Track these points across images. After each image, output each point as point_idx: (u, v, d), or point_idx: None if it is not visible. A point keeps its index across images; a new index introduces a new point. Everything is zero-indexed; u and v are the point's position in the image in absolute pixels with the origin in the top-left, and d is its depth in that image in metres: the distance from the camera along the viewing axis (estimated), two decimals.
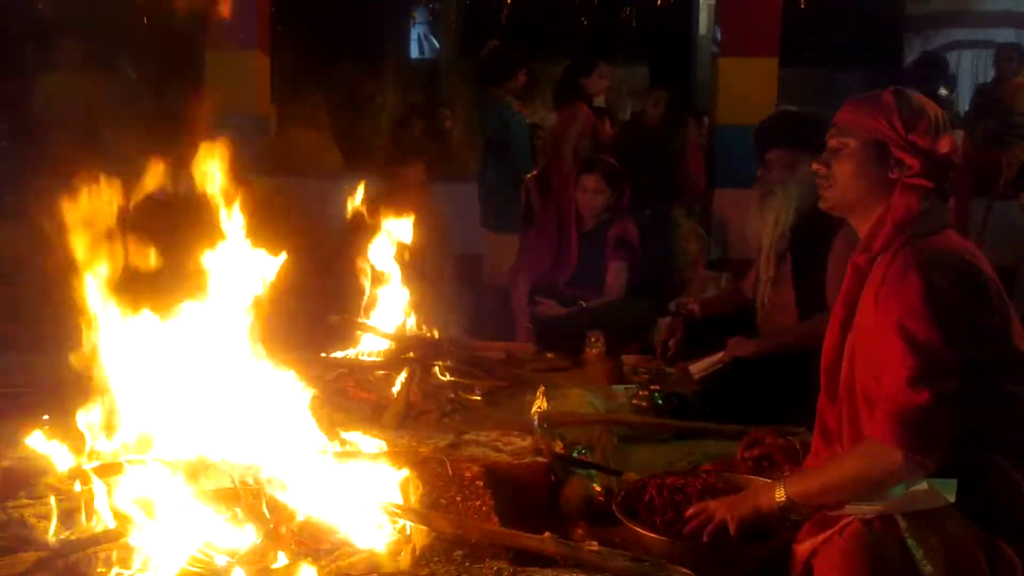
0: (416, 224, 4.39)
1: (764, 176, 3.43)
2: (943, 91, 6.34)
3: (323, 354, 3.51)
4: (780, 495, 1.92)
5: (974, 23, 8.45)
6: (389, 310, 3.73)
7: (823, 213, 3.23)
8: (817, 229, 3.26)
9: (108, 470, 2.02)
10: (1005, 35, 8.34)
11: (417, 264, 3.98)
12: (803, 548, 1.83)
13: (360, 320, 3.61)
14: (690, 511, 2.04)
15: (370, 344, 3.59)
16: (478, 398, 3.15)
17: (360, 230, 3.81)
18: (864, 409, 1.91)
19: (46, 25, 6.66)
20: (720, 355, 3.35)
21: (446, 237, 5.22)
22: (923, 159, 1.96)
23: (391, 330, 3.63)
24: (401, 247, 3.82)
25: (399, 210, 4.64)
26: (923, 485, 1.80)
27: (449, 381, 3.20)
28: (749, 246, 3.63)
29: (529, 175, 5.51)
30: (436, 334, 3.64)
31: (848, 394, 1.98)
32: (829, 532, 1.78)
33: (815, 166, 2.12)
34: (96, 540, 1.91)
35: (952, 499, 1.78)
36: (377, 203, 4.86)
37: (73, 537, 1.94)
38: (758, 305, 3.49)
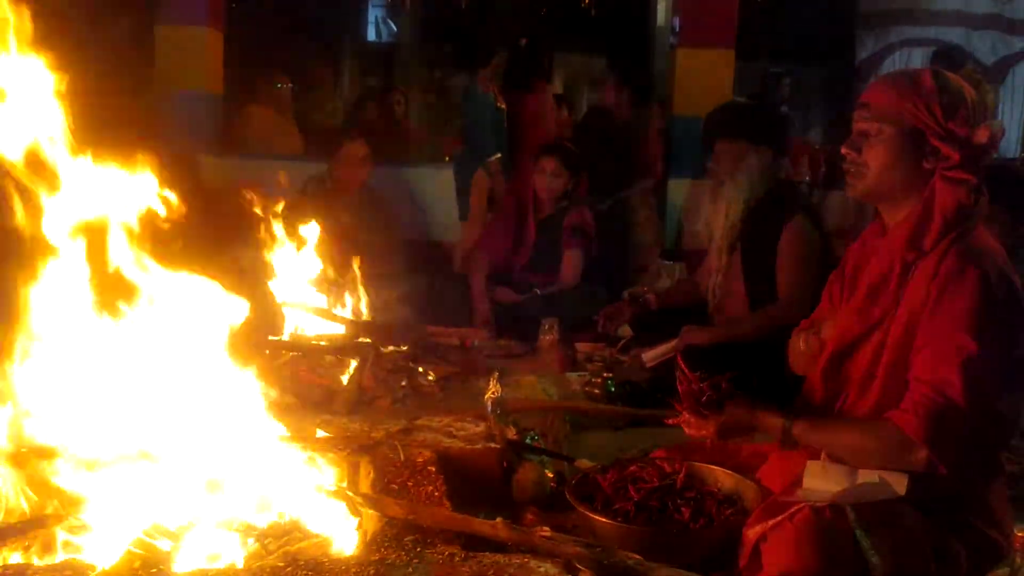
0: (358, 203, 4.31)
1: (713, 168, 3.46)
2: None
3: (271, 337, 3.44)
4: (787, 428, 1.95)
5: (925, 22, 8.60)
6: (332, 294, 3.68)
7: (772, 205, 3.33)
8: (766, 220, 3.31)
9: (43, 454, 1.96)
10: (955, 34, 8.52)
11: (361, 245, 3.93)
12: (752, 533, 1.83)
13: (307, 304, 3.55)
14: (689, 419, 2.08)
15: (318, 327, 3.53)
16: (431, 383, 3.13)
17: (300, 212, 3.74)
18: (889, 395, 1.88)
19: None
20: (673, 343, 3.38)
21: (394, 219, 5.17)
22: (961, 150, 1.82)
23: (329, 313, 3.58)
24: (343, 228, 3.75)
25: (340, 190, 4.61)
26: (875, 477, 1.81)
27: (402, 366, 3.18)
28: (702, 236, 3.67)
29: (493, 158, 5.48)
30: (370, 317, 3.60)
31: (864, 381, 1.95)
32: (779, 517, 1.78)
33: (843, 150, 1.95)
34: (35, 524, 1.85)
35: (903, 492, 1.79)
36: (317, 183, 4.82)
37: (11, 522, 1.89)
38: (709, 295, 3.53)
